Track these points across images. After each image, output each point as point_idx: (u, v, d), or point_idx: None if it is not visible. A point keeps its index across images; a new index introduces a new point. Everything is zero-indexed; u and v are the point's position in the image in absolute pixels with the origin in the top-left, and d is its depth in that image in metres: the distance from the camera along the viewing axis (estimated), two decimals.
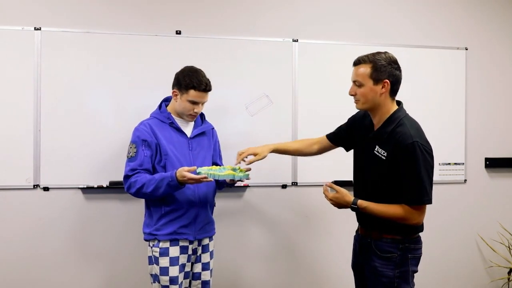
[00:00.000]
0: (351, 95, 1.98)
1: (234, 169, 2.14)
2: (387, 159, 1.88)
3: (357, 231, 2.13)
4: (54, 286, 2.71)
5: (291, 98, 2.96)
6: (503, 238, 3.28)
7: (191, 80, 2.17)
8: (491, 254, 3.28)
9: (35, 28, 2.66)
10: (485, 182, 3.30)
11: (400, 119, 1.90)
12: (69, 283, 2.73)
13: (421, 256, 1.98)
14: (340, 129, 2.29)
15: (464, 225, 3.27)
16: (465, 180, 3.25)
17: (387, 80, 1.88)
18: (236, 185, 2.62)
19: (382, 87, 1.89)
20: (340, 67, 2.99)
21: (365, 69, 1.90)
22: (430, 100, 3.15)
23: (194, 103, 2.20)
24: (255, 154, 2.24)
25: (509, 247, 3.24)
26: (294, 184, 2.98)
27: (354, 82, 1.96)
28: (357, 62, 1.95)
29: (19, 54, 2.65)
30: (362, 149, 2.06)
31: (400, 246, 1.90)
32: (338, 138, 2.28)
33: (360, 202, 1.92)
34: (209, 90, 2.23)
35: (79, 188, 2.70)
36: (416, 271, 1.97)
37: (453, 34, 3.25)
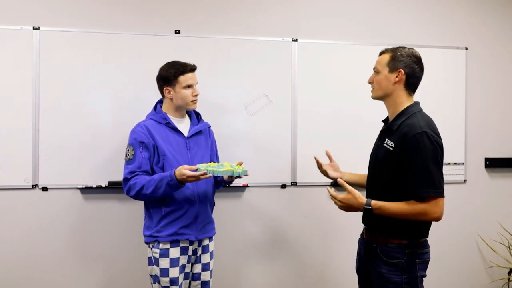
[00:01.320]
0: (369, 83, 2.03)
1: (232, 166, 2.15)
2: (394, 149, 1.86)
3: (362, 235, 2.08)
4: (53, 286, 2.71)
5: (290, 97, 2.95)
6: (503, 238, 3.27)
7: (175, 69, 2.22)
8: (491, 254, 3.27)
9: (33, 27, 2.65)
10: (485, 182, 3.29)
11: (413, 113, 1.91)
12: (68, 283, 2.73)
13: (429, 260, 1.93)
14: None
15: (464, 225, 3.26)
16: (465, 180, 3.24)
17: (401, 70, 1.92)
18: (235, 185, 2.62)
19: (396, 76, 1.92)
20: (340, 67, 3.00)
21: (385, 57, 1.97)
22: (429, 100, 3.10)
23: (189, 86, 2.23)
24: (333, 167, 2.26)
25: (509, 247, 3.24)
26: (294, 184, 2.97)
27: (373, 69, 2.02)
28: (381, 52, 2.02)
29: (17, 54, 2.64)
30: (375, 145, 2.06)
31: (407, 251, 1.86)
32: None
33: (374, 202, 1.83)
34: (195, 68, 2.27)
35: (78, 188, 2.70)
36: (425, 276, 1.91)
37: (453, 33, 3.24)
